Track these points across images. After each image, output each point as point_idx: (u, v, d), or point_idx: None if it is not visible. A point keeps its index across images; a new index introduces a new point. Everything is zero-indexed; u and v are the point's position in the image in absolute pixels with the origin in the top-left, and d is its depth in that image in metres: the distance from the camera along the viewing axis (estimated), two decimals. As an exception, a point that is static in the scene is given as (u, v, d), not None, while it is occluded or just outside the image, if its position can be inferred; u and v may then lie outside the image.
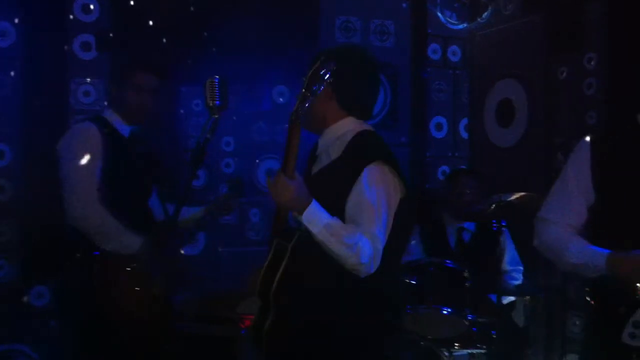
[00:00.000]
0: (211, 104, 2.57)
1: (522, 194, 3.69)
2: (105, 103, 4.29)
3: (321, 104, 2.45)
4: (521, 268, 4.17)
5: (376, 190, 2.34)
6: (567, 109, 4.55)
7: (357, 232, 2.29)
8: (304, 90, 2.25)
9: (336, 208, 2.33)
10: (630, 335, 2.21)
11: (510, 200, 3.74)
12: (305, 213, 2.26)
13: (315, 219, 2.27)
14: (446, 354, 3.59)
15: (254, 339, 2.49)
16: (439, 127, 5.49)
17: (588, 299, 2.41)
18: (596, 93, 4.33)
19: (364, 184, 2.33)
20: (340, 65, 2.32)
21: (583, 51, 4.41)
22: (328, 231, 2.26)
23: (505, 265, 4.21)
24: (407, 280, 3.65)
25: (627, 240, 2.29)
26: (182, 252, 3.59)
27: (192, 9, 4.68)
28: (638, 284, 2.22)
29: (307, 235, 2.31)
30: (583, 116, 4.38)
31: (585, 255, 2.35)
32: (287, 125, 2.32)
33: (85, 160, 3.09)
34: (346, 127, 2.50)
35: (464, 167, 5.22)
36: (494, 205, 3.80)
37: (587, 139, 2.45)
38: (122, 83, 3.29)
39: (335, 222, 2.29)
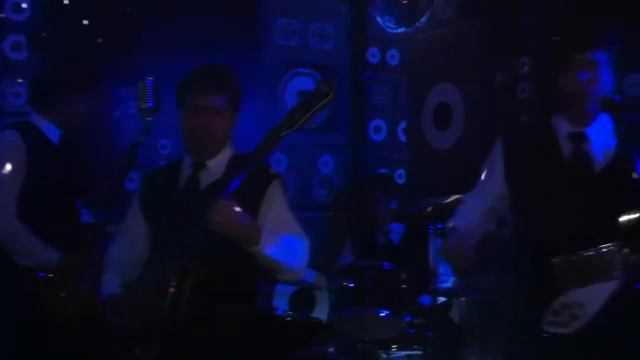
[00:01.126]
0: (144, 107, 2.51)
1: (459, 196, 3.74)
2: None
3: (230, 126, 2.54)
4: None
5: (285, 201, 2.56)
6: (502, 112, 4.64)
7: (295, 239, 2.45)
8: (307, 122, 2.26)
9: None
10: (551, 323, 2.29)
11: (447, 203, 3.79)
12: (263, 242, 2.32)
13: (270, 242, 2.35)
14: (384, 356, 3.61)
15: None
16: (377, 130, 5.53)
17: (513, 294, 2.49)
18: (530, 97, 4.43)
19: (278, 197, 2.51)
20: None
21: (517, 56, 4.50)
22: (281, 249, 2.38)
23: (438, 267, 4.27)
24: (345, 283, 3.66)
25: (540, 234, 2.39)
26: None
27: (128, 9, 4.59)
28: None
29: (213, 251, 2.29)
30: (518, 119, 4.48)
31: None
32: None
33: (3, 174, 2.97)
34: (229, 151, 2.57)
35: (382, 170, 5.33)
36: (430, 208, 3.86)
37: (500, 137, 2.57)
38: (72, 96, 3.15)
39: (281, 237, 2.40)
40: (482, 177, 2.61)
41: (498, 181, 2.52)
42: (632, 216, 2.21)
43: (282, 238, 2.41)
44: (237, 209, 2.27)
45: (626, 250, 2.23)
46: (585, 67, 2.34)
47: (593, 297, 2.26)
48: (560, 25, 3.83)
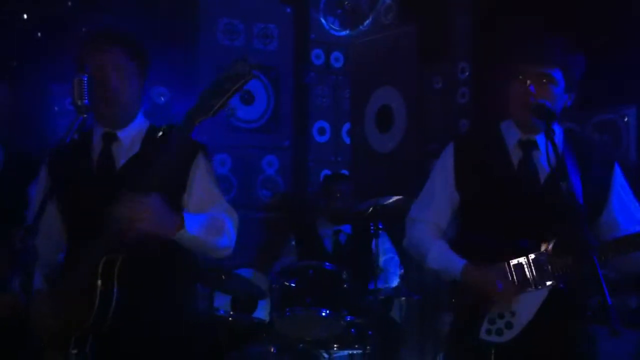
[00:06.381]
0: (79, 103, 2.38)
1: (398, 197, 3.81)
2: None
3: (138, 94, 2.49)
4: (398, 270, 4.29)
5: (212, 173, 2.48)
6: (441, 116, 4.73)
7: (220, 216, 2.35)
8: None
9: (169, 195, 2.24)
10: (487, 331, 2.34)
11: (387, 204, 3.85)
12: (186, 227, 2.21)
13: (194, 224, 2.24)
14: (325, 355, 3.64)
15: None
16: (321, 131, 5.55)
17: (451, 298, 2.52)
18: (468, 102, 4.53)
19: (204, 169, 2.42)
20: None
21: (456, 61, 4.60)
22: (206, 230, 2.29)
23: (382, 266, 4.32)
24: (287, 283, 3.67)
25: (488, 238, 2.42)
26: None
27: (69, 3, 4.51)
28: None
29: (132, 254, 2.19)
30: (456, 124, 4.57)
31: (443, 261, 2.48)
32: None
33: None
34: (144, 122, 2.51)
35: (343, 171, 5.36)
36: (371, 208, 3.90)
37: (452, 143, 2.59)
38: None
39: (205, 218, 2.31)
40: (433, 185, 2.60)
41: (448, 189, 2.53)
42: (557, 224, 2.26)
43: (206, 218, 2.32)
44: (155, 204, 2.13)
45: (552, 256, 2.29)
46: (540, 80, 2.35)
47: (526, 305, 2.32)
48: (507, 34, 3.86)
